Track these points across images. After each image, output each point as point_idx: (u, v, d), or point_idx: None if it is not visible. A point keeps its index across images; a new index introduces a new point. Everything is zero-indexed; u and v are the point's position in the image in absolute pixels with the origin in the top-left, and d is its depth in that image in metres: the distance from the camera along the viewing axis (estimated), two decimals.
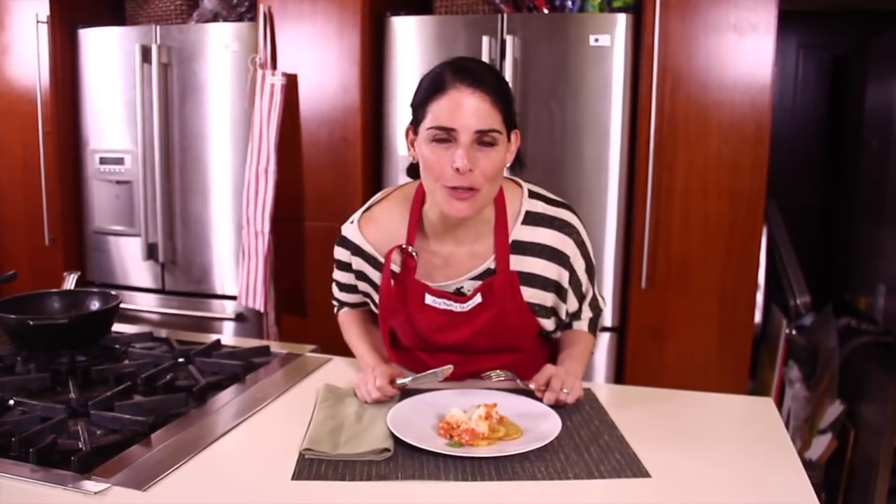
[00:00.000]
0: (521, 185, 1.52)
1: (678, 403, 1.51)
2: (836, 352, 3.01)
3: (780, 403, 3.02)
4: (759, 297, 3.07)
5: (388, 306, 1.53)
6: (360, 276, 1.58)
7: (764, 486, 1.16)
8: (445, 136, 1.33)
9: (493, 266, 1.48)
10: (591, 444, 1.28)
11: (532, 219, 1.48)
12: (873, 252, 3.17)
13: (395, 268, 1.51)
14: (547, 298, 1.52)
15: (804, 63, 3.82)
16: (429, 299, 1.50)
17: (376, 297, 1.57)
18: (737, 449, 1.30)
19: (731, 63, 2.56)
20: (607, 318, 2.73)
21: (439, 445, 1.24)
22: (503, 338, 1.53)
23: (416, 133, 1.40)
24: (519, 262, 1.48)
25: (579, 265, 1.52)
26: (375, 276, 1.55)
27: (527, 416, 1.35)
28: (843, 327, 3.16)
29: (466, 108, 1.31)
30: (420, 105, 1.38)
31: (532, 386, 1.42)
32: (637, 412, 1.44)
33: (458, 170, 1.32)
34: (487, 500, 1.12)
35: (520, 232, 1.48)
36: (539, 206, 1.49)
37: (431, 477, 1.17)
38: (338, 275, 1.65)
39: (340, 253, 1.60)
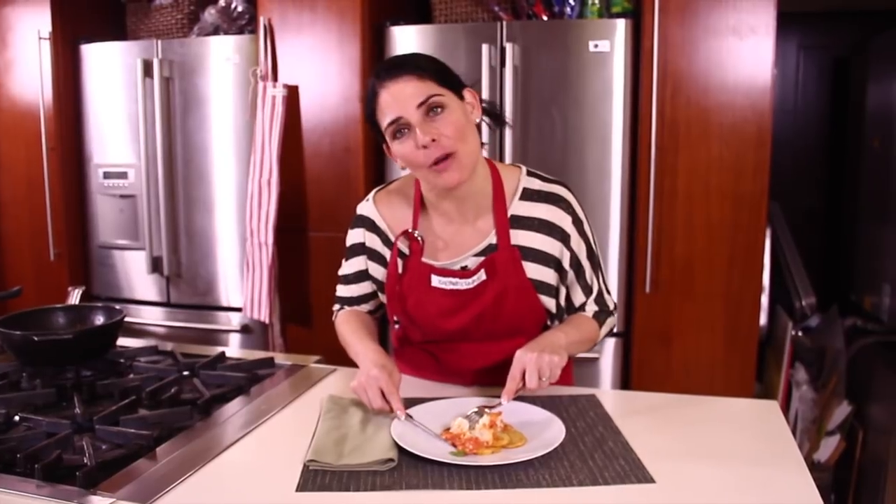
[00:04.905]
0: (520, 167, 1.59)
1: (681, 408, 1.51)
2: (843, 352, 3.00)
3: (787, 405, 3.01)
4: (764, 300, 3.07)
5: (395, 291, 1.56)
6: (373, 255, 1.62)
7: (769, 490, 1.16)
8: (399, 127, 1.41)
9: (494, 241, 1.53)
10: (595, 451, 1.28)
11: (529, 195, 1.54)
12: (878, 251, 3.16)
13: (403, 248, 1.56)
14: (548, 275, 1.55)
15: (804, 64, 3.82)
16: (435, 280, 1.53)
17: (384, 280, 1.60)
18: (741, 453, 1.30)
19: (732, 66, 2.56)
20: None
21: (443, 454, 1.24)
22: (508, 320, 1.54)
23: (386, 143, 1.48)
24: (517, 237, 1.53)
25: (580, 248, 1.56)
26: (387, 254, 1.59)
27: (531, 424, 1.35)
28: (849, 328, 3.15)
29: (398, 95, 1.40)
30: (370, 119, 1.48)
31: (504, 401, 1.37)
32: (641, 418, 1.44)
33: (424, 147, 1.39)
34: None
35: (518, 207, 1.54)
36: (536, 184, 1.56)
37: (436, 486, 1.17)
38: (346, 266, 1.68)
39: (354, 235, 1.64)
